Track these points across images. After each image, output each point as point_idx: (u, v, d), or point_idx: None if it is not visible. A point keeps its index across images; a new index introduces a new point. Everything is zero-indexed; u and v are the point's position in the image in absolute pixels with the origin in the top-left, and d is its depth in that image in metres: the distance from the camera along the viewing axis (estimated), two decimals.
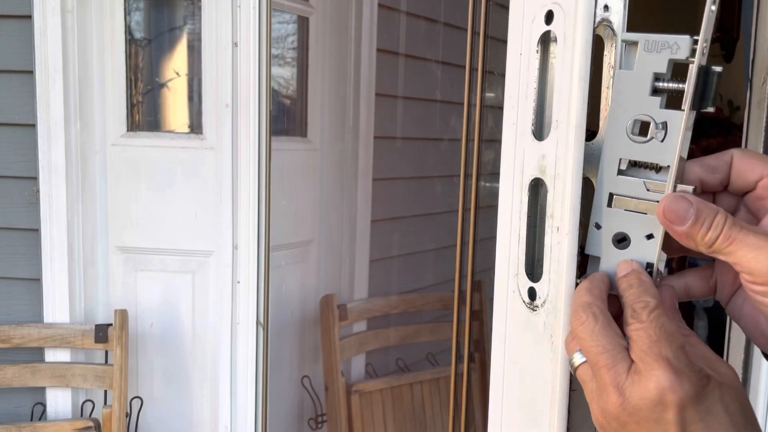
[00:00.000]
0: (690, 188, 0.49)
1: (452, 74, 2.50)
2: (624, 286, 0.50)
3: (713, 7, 0.47)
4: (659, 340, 0.45)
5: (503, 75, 0.62)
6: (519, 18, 0.60)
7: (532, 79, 0.59)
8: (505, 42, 0.63)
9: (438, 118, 2.58)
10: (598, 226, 0.55)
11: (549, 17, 0.57)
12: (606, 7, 0.55)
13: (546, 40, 0.58)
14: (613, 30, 0.55)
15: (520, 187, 0.61)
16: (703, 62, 0.48)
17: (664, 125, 0.51)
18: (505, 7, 0.64)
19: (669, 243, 0.51)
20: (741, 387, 0.46)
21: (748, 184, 0.50)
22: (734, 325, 1.70)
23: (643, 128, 0.52)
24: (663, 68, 0.51)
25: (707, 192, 0.52)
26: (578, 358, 0.50)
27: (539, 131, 0.59)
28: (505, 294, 0.64)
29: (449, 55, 2.49)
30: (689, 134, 0.50)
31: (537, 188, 0.59)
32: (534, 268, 0.61)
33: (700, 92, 0.48)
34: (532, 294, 0.60)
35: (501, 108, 0.63)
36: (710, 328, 3.25)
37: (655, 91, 0.51)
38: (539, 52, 0.59)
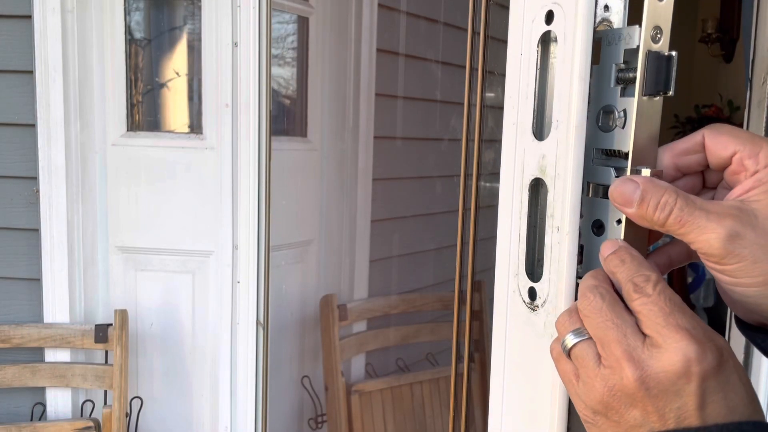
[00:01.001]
0: (646, 170, 0.50)
1: (452, 74, 2.50)
2: (616, 262, 0.49)
3: None
4: (673, 312, 0.45)
5: (503, 75, 0.62)
6: (519, 18, 0.60)
7: (533, 79, 0.59)
8: (505, 42, 0.63)
9: (438, 118, 2.58)
10: (580, 215, 0.56)
11: (549, 17, 0.57)
12: (606, 7, 0.55)
13: (546, 40, 0.58)
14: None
15: (520, 187, 0.61)
16: (654, 48, 0.50)
17: (624, 113, 0.53)
18: (505, 7, 0.64)
19: (645, 230, 0.52)
20: (739, 364, 0.46)
21: (723, 161, 0.50)
22: (734, 324, 1.70)
23: (612, 118, 0.54)
24: (620, 58, 0.53)
25: (691, 173, 0.52)
26: (572, 338, 0.49)
27: (539, 131, 0.59)
28: (505, 294, 0.64)
29: (449, 55, 2.49)
30: (652, 120, 0.52)
31: (537, 188, 0.59)
32: (534, 268, 0.61)
33: (653, 77, 0.50)
34: (532, 294, 0.60)
35: (501, 108, 0.63)
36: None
37: (617, 81, 0.54)
38: (539, 52, 0.59)
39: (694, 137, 0.51)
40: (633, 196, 0.48)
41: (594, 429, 0.48)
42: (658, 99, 0.51)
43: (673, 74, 0.50)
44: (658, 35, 0.50)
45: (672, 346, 0.44)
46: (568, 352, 0.49)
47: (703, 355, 0.43)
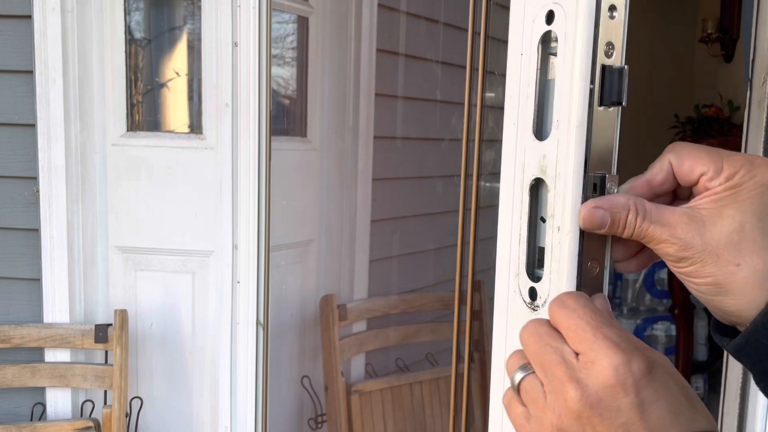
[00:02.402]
0: (612, 178, 0.54)
1: (452, 74, 2.50)
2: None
3: (613, 13, 0.53)
4: (600, 325, 0.47)
5: (504, 75, 0.62)
6: (520, 18, 0.60)
7: (533, 78, 0.59)
8: (505, 42, 0.63)
9: (438, 118, 2.58)
10: (543, 220, 0.59)
11: (550, 17, 0.57)
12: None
13: (547, 40, 0.58)
14: None
15: (520, 186, 0.61)
16: (607, 63, 0.54)
17: None
18: (505, 7, 0.64)
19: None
20: (677, 374, 0.47)
21: (691, 181, 0.53)
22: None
23: None
24: None
25: (666, 193, 0.55)
26: (519, 375, 0.50)
27: (540, 131, 0.59)
28: (505, 294, 0.64)
29: (449, 55, 2.49)
30: (608, 129, 0.55)
31: (538, 188, 0.59)
32: (535, 268, 0.61)
33: (607, 89, 0.54)
34: (533, 294, 0.60)
35: (501, 108, 0.63)
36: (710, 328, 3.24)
37: None
38: (540, 52, 0.59)
39: (663, 165, 0.54)
40: (603, 221, 0.52)
41: None
42: (613, 110, 0.54)
43: (625, 86, 0.54)
44: (611, 50, 0.53)
45: (604, 360, 0.45)
46: (518, 389, 0.50)
47: (630, 364, 0.44)
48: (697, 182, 0.52)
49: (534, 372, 0.49)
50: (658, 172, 0.54)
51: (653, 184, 0.54)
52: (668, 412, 0.44)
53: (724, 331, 0.53)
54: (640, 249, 0.57)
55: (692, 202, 0.51)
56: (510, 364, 0.52)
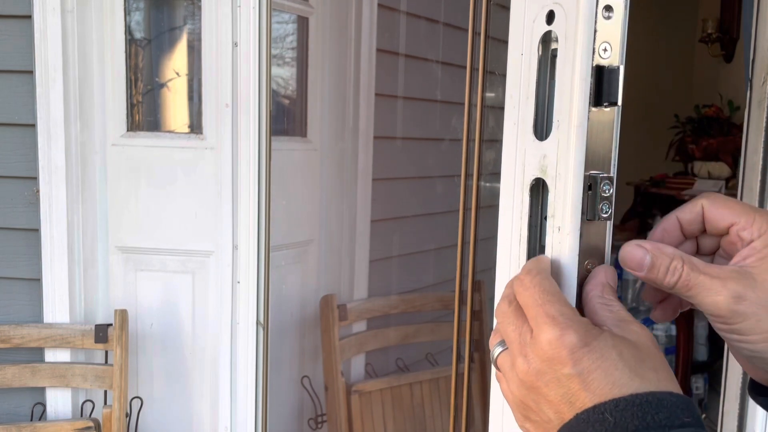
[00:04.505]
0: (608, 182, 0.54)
1: (453, 74, 2.50)
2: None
3: (608, 14, 0.53)
4: (544, 302, 0.48)
5: (504, 75, 0.62)
6: (520, 18, 0.60)
7: (533, 79, 0.59)
8: (505, 42, 0.63)
9: (438, 118, 2.59)
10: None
11: (550, 17, 0.57)
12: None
13: (547, 40, 0.58)
14: None
15: (521, 186, 0.61)
16: (603, 63, 0.54)
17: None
18: (505, 8, 0.64)
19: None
20: (650, 345, 0.48)
21: (720, 230, 0.54)
22: None
23: None
24: None
25: (690, 238, 0.57)
26: (497, 350, 0.53)
27: (540, 131, 0.59)
28: None
29: (450, 55, 2.49)
30: (605, 129, 0.55)
31: (538, 188, 0.59)
32: None
33: (602, 89, 0.54)
34: None
35: (502, 108, 0.63)
36: (710, 328, 3.25)
37: None
38: (540, 52, 0.59)
39: (694, 207, 0.55)
40: (643, 262, 0.51)
41: None
42: (612, 110, 0.54)
43: (620, 85, 0.54)
44: (607, 50, 0.54)
45: (540, 335, 0.47)
46: (495, 364, 0.53)
47: (565, 337, 0.46)
48: (726, 232, 0.53)
49: (506, 348, 0.52)
50: (688, 212, 0.55)
51: (682, 221, 0.55)
52: (608, 383, 0.45)
53: (761, 390, 0.54)
54: (665, 297, 0.57)
55: (736, 260, 0.52)
56: (491, 341, 0.55)
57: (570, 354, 0.46)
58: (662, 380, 0.46)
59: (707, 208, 0.54)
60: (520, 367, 0.48)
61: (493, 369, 0.56)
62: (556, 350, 0.46)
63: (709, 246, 0.56)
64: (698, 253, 0.57)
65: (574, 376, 0.45)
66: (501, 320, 0.52)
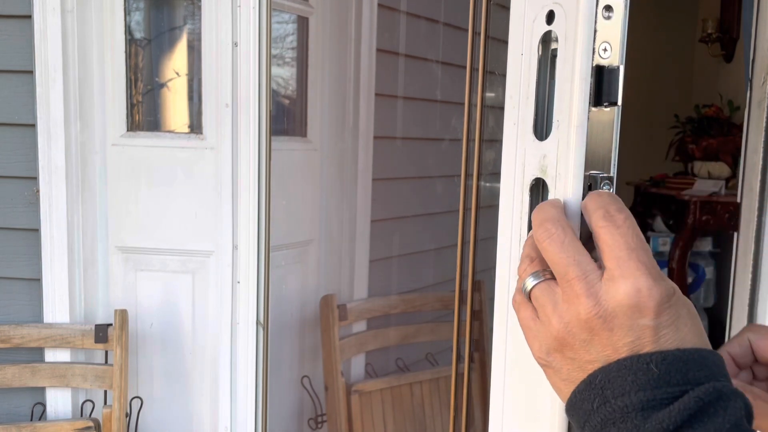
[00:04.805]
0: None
1: (453, 74, 2.50)
2: (593, 195, 0.52)
3: (608, 13, 0.53)
4: (637, 247, 0.47)
5: (504, 75, 0.62)
6: (520, 18, 0.60)
7: (533, 79, 0.59)
8: (505, 42, 0.63)
9: (438, 118, 2.58)
10: None
11: (550, 17, 0.57)
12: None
13: (547, 40, 0.58)
14: None
15: (521, 186, 0.61)
16: (603, 63, 0.54)
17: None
18: (505, 8, 0.64)
19: None
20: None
21: None
22: (734, 325, 1.70)
23: None
24: None
25: (746, 367, 0.59)
26: (531, 281, 0.51)
27: (540, 131, 0.59)
28: (505, 294, 0.64)
29: (449, 55, 2.49)
30: (605, 129, 0.55)
31: (538, 188, 0.59)
32: None
33: (601, 88, 0.54)
34: None
35: (502, 108, 0.63)
36: (711, 328, 3.25)
37: None
38: (540, 52, 0.59)
39: (742, 341, 0.58)
40: None
41: (549, 370, 0.50)
42: (610, 110, 0.54)
43: (620, 85, 0.54)
44: (607, 50, 0.54)
45: (628, 280, 0.46)
46: (529, 295, 0.51)
47: (655, 289, 0.46)
48: None
49: (546, 279, 0.50)
50: (737, 346, 0.58)
51: (733, 355, 0.58)
52: (676, 339, 0.46)
53: None
54: None
55: None
56: (522, 269, 0.53)
57: (656, 306, 0.45)
58: (705, 338, 0.48)
59: (754, 341, 0.57)
60: (583, 307, 0.47)
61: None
62: (643, 300, 0.45)
63: (765, 373, 0.59)
64: (754, 380, 0.59)
65: (650, 327, 0.46)
66: (555, 251, 0.49)
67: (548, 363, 0.50)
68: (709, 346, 0.47)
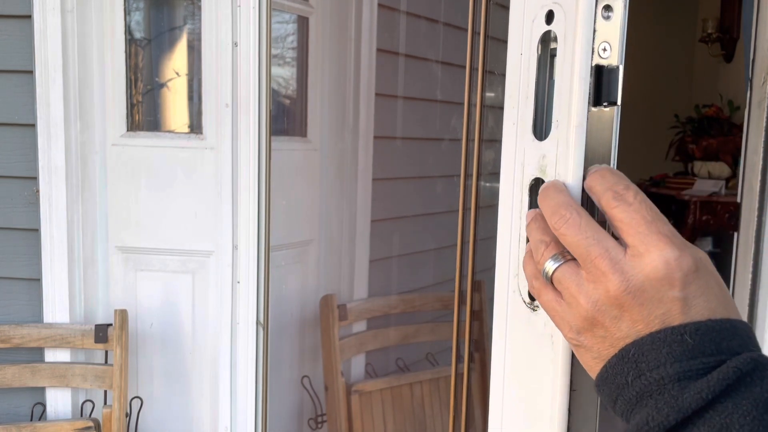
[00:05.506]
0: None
1: (452, 74, 2.50)
2: (596, 176, 0.51)
3: (608, 13, 0.53)
4: (654, 220, 0.47)
5: (503, 75, 0.62)
6: (519, 18, 0.60)
7: (533, 79, 0.59)
8: (505, 42, 0.63)
9: (438, 118, 2.58)
10: None
11: (549, 17, 0.57)
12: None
13: (546, 39, 0.58)
14: None
15: (520, 186, 0.61)
16: (602, 62, 0.54)
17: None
18: (505, 7, 0.64)
19: None
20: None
21: None
22: None
23: None
24: None
25: None
26: (552, 264, 0.51)
27: (539, 131, 0.59)
28: (505, 294, 0.64)
29: (449, 55, 2.49)
30: (604, 129, 0.55)
31: (537, 188, 0.59)
32: None
33: (600, 88, 0.54)
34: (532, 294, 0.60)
35: (501, 108, 0.63)
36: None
37: None
38: (540, 51, 0.59)
39: None
40: None
41: (581, 350, 0.50)
42: (609, 109, 0.54)
43: (619, 85, 0.54)
44: (606, 50, 0.54)
45: (655, 253, 0.46)
46: (550, 279, 0.51)
47: (683, 260, 0.46)
48: None
49: (567, 261, 0.50)
50: None
51: None
52: (706, 309, 0.46)
53: None
54: None
55: None
56: (540, 254, 0.52)
57: (683, 276, 0.45)
58: (735, 307, 0.47)
59: None
60: (612, 284, 0.46)
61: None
62: (670, 271, 0.45)
63: None
64: None
65: (679, 299, 0.46)
66: (572, 233, 0.49)
67: (580, 343, 0.50)
68: (739, 316, 0.47)
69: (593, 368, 0.50)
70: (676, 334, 0.45)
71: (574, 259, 0.50)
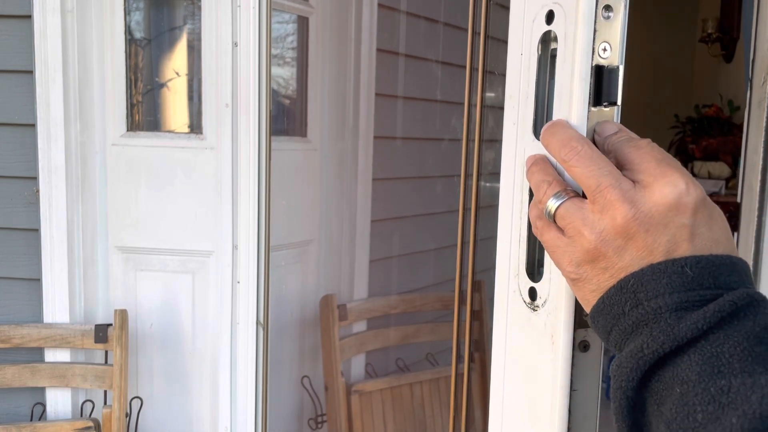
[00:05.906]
0: None
1: (452, 74, 2.50)
2: (610, 125, 0.53)
3: (608, 13, 0.53)
4: (665, 158, 0.49)
5: (504, 75, 0.62)
6: (520, 18, 0.60)
7: (533, 79, 0.59)
8: (505, 42, 0.63)
9: (438, 118, 2.58)
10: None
11: (550, 17, 0.57)
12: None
13: (546, 39, 0.58)
14: None
15: (520, 186, 0.61)
16: (602, 62, 0.54)
17: None
18: (505, 7, 0.64)
19: None
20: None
21: None
22: None
23: None
24: None
25: None
26: (554, 202, 0.52)
27: (540, 131, 0.59)
28: (505, 294, 0.64)
29: (449, 55, 2.49)
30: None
31: None
32: (535, 268, 0.61)
33: (600, 88, 0.54)
34: (532, 294, 0.60)
35: (501, 108, 0.63)
36: None
37: None
38: (540, 52, 0.59)
39: None
40: None
41: (579, 284, 0.51)
42: (609, 109, 0.55)
43: (619, 85, 0.54)
44: (606, 50, 0.54)
45: (663, 182, 0.47)
46: (553, 217, 0.52)
47: (692, 188, 0.47)
48: None
49: (570, 198, 0.51)
50: None
51: None
52: (710, 239, 0.47)
53: None
54: None
55: None
56: (543, 193, 0.53)
57: (693, 204, 0.47)
58: (734, 242, 0.49)
59: None
60: (620, 213, 0.47)
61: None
62: (680, 197, 0.47)
63: None
64: None
65: (686, 226, 0.47)
66: (584, 164, 0.50)
67: (578, 275, 0.50)
68: (737, 252, 0.48)
69: (590, 301, 0.50)
70: (677, 265, 0.46)
71: (576, 195, 0.51)
